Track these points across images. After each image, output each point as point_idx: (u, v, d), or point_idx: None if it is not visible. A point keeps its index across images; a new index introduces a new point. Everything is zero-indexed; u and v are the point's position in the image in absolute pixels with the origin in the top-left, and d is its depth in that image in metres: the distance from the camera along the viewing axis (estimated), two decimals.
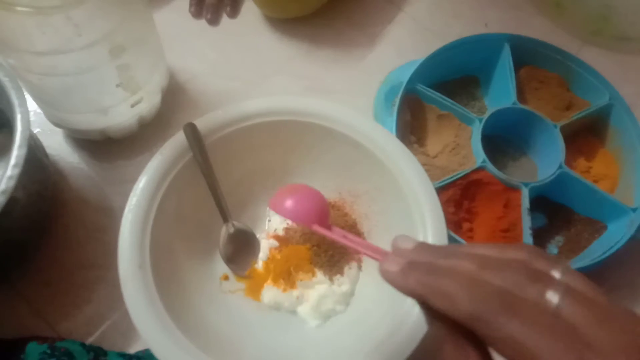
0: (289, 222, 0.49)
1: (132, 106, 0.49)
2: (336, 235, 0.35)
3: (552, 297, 0.21)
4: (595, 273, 0.47)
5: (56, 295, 0.47)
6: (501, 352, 0.21)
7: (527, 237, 0.47)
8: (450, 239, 0.44)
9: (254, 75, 0.60)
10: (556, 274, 0.22)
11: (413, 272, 0.25)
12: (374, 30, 0.64)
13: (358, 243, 0.33)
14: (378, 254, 0.30)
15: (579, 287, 0.22)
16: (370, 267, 0.48)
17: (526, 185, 0.49)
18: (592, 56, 0.59)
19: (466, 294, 0.22)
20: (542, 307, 0.21)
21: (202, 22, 0.63)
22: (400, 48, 0.63)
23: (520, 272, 0.22)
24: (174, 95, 0.56)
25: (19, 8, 0.37)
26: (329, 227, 0.36)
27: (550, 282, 0.22)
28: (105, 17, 0.41)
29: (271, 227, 0.50)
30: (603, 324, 0.20)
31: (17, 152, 0.39)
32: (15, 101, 0.41)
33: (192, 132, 0.44)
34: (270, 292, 0.46)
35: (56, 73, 0.43)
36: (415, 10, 0.66)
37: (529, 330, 0.20)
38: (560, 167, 0.50)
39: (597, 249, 0.49)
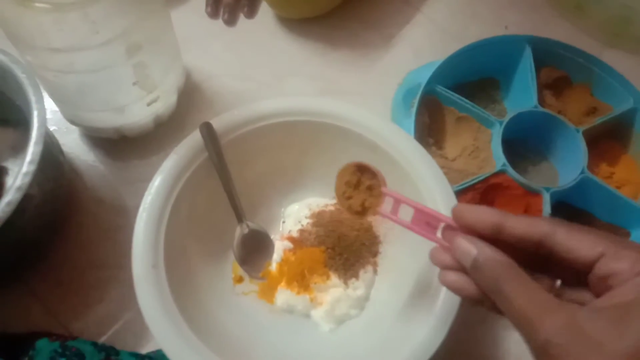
0: (304, 224, 0.49)
1: (149, 105, 0.48)
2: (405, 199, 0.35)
3: None
4: None
5: (69, 294, 0.47)
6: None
7: None
8: None
9: (269, 75, 0.59)
10: None
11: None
12: (390, 31, 0.63)
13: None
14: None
15: None
16: (385, 271, 0.47)
17: (547, 190, 0.48)
18: (614, 59, 0.58)
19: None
20: None
21: (218, 22, 0.63)
22: (417, 49, 0.62)
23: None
24: (190, 95, 0.56)
25: (37, 5, 0.37)
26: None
27: None
28: (122, 14, 0.41)
29: (285, 228, 0.49)
30: None
31: (33, 149, 0.38)
32: (32, 98, 0.41)
33: (208, 131, 0.44)
34: (284, 295, 0.46)
35: (73, 70, 0.43)
36: (433, 11, 0.65)
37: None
38: (582, 172, 0.49)
39: None
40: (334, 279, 0.46)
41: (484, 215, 0.28)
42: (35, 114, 0.40)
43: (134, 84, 0.45)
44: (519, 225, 0.27)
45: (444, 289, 0.41)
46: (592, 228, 0.26)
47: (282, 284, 0.46)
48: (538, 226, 0.26)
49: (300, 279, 0.45)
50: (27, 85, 0.42)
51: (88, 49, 0.41)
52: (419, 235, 0.34)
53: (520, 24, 0.65)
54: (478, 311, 0.48)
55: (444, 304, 0.40)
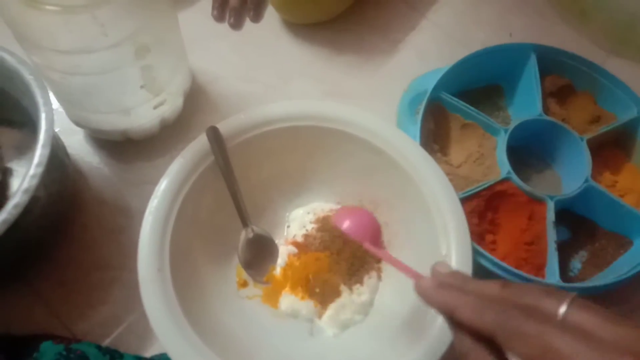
0: (308, 228, 0.49)
1: (155, 108, 0.48)
2: (384, 255, 0.44)
3: (562, 307, 0.25)
4: (620, 291, 0.46)
5: (72, 295, 0.47)
6: (520, 356, 0.25)
7: (552, 251, 0.46)
8: (474, 251, 0.43)
9: (274, 79, 0.60)
10: (568, 297, 0.25)
11: (445, 289, 0.30)
12: (396, 36, 0.63)
13: (400, 265, 0.40)
14: (416, 275, 0.36)
15: (587, 302, 0.25)
16: (389, 277, 0.47)
17: (552, 198, 0.48)
18: (618, 67, 0.58)
19: (490, 307, 0.26)
20: (554, 314, 0.25)
21: (224, 25, 0.63)
22: (422, 55, 0.62)
23: (538, 291, 0.26)
24: (195, 97, 0.56)
25: (46, 7, 0.37)
26: (379, 247, 0.44)
27: (562, 296, 0.25)
28: (131, 17, 0.41)
29: (290, 233, 0.49)
30: (610, 323, 0.23)
31: (40, 152, 0.38)
32: (39, 100, 0.41)
33: (214, 135, 0.44)
34: (288, 300, 0.46)
35: (80, 72, 0.43)
36: (438, 17, 0.65)
37: (544, 332, 0.24)
38: (586, 180, 0.49)
39: (623, 265, 0.48)
40: (339, 284, 0.46)
41: (438, 297, 0.30)
42: (42, 116, 0.40)
43: (142, 87, 0.45)
44: (465, 315, 0.27)
45: None
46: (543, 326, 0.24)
47: (287, 288, 0.46)
48: (484, 321, 0.26)
49: (304, 284, 0.45)
50: (35, 87, 0.42)
51: (96, 51, 0.41)
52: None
53: (525, 29, 0.65)
54: None
55: None
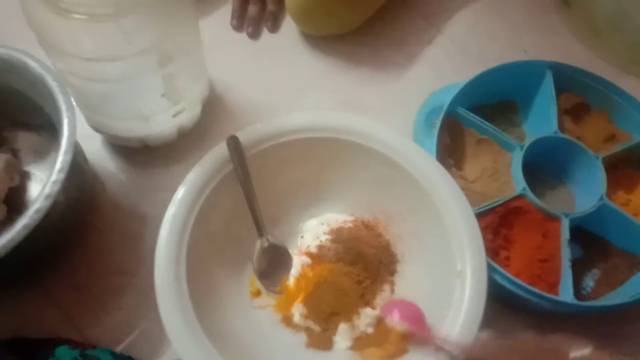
0: (322, 239, 0.49)
1: (174, 116, 0.49)
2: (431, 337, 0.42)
3: None
4: (632, 309, 0.46)
5: (85, 300, 0.47)
6: None
7: (566, 269, 0.46)
8: (488, 267, 0.43)
9: (290, 89, 0.60)
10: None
11: None
12: (411, 50, 0.64)
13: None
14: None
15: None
16: (402, 291, 0.47)
17: (567, 215, 0.48)
18: (632, 86, 0.58)
19: None
20: None
21: (242, 35, 0.64)
22: (437, 69, 0.62)
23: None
24: (212, 106, 0.57)
25: (74, 15, 0.37)
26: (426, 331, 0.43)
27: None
28: (155, 26, 0.42)
29: (304, 243, 0.49)
30: None
31: (62, 157, 0.39)
32: (62, 106, 0.41)
33: (234, 145, 0.44)
34: (301, 311, 0.46)
35: (102, 79, 0.43)
36: (453, 32, 0.66)
37: None
38: (601, 199, 0.49)
39: (636, 284, 0.48)
40: (352, 296, 0.46)
41: None
42: (65, 122, 0.40)
43: (162, 95, 0.46)
44: None
45: (463, 312, 0.41)
46: None
47: (299, 299, 0.46)
48: None
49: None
50: (58, 93, 0.42)
51: (120, 59, 0.41)
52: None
53: (538, 46, 0.66)
54: (494, 330, 0.48)
55: (463, 327, 0.40)
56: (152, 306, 0.39)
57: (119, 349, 0.45)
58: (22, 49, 0.45)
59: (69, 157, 0.39)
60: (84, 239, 0.49)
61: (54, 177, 0.38)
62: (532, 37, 0.67)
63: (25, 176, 0.49)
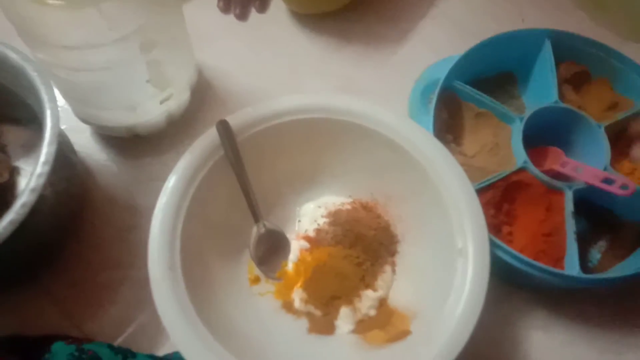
0: (320, 223, 0.48)
1: (161, 103, 0.48)
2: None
3: None
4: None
5: (82, 295, 0.46)
6: None
7: (571, 242, 0.45)
8: (491, 243, 0.42)
9: (282, 71, 0.58)
10: None
11: None
12: (405, 25, 0.62)
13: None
14: None
15: None
16: (404, 271, 0.46)
17: (570, 187, 0.47)
18: (635, 53, 0.56)
19: None
20: None
21: (230, 18, 0.62)
22: (433, 44, 0.61)
23: None
24: (202, 92, 0.55)
25: (50, 2, 0.36)
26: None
27: None
28: (136, 11, 0.40)
29: (301, 227, 0.48)
30: None
31: (46, 149, 0.38)
32: (44, 97, 0.40)
33: (224, 129, 0.43)
34: (301, 296, 0.45)
35: (86, 68, 0.42)
36: (449, 5, 0.64)
37: None
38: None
39: None
40: (353, 279, 0.45)
41: None
42: (48, 113, 0.39)
43: (147, 81, 0.44)
44: None
45: (465, 292, 0.40)
46: None
47: (299, 284, 0.45)
48: None
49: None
50: (39, 84, 0.41)
51: (102, 46, 0.40)
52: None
53: (538, 16, 0.64)
54: (497, 312, 0.47)
55: (465, 307, 0.39)
56: (149, 299, 0.38)
57: (117, 342, 0.44)
58: (2, 41, 0.43)
59: (53, 148, 0.38)
60: (78, 234, 0.49)
61: (38, 170, 0.37)
62: (531, 7, 0.65)
63: (15, 172, 0.48)
